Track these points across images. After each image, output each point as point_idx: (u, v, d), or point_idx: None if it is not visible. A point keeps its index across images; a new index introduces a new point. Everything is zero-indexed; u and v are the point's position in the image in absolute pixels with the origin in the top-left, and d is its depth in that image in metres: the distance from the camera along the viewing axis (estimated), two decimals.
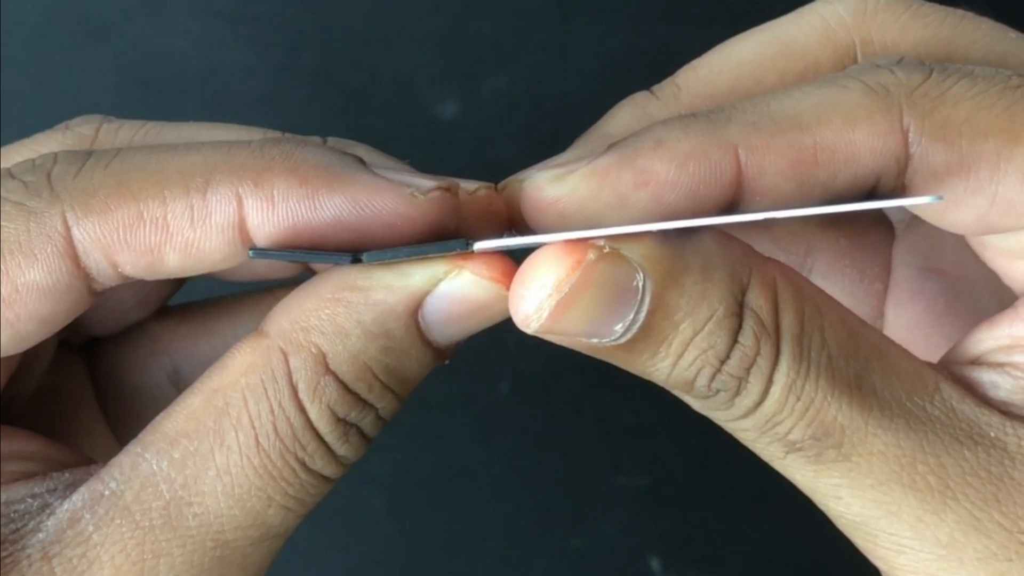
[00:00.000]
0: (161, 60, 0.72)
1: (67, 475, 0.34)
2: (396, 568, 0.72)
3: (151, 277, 0.35)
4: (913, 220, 0.43)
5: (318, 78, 0.73)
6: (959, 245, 0.39)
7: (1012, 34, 0.38)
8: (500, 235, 0.34)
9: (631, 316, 0.32)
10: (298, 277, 0.40)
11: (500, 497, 0.72)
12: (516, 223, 0.35)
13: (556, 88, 0.72)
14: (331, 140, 0.38)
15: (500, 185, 0.36)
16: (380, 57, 0.72)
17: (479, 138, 0.72)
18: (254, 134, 0.38)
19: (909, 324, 0.43)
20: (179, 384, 0.43)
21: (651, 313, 0.32)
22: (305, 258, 0.34)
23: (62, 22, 0.72)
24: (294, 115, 0.73)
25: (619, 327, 0.33)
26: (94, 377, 0.43)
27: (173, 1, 0.73)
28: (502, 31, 0.72)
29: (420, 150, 0.72)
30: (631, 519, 0.72)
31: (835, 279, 0.44)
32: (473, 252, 0.34)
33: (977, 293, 0.42)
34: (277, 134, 0.38)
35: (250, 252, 0.34)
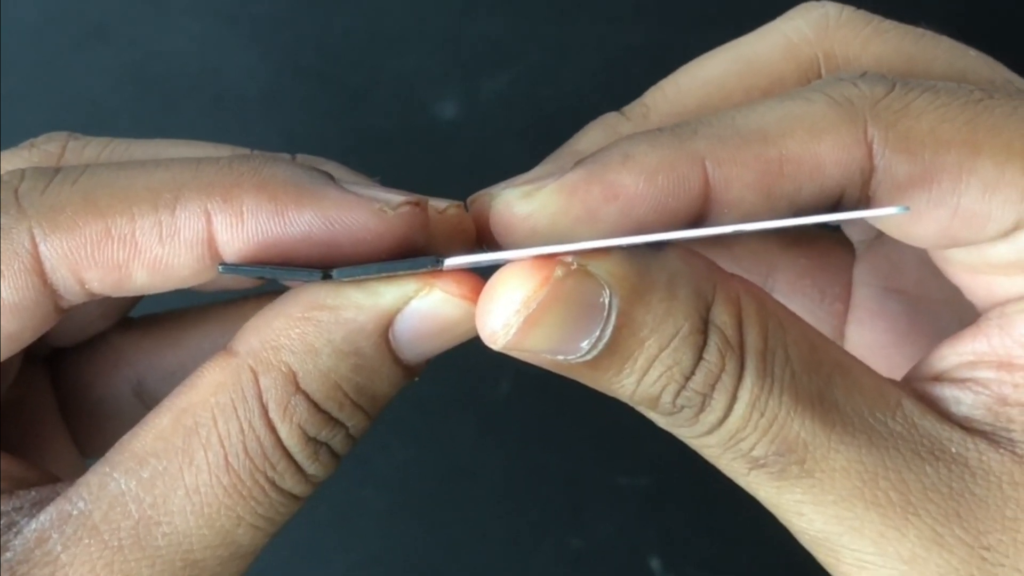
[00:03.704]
0: (161, 60, 0.73)
1: (33, 493, 0.34)
2: (397, 568, 0.73)
3: (118, 294, 0.34)
4: (874, 240, 0.43)
5: (318, 78, 0.73)
6: (920, 264, 0.39)
7: (971, 52, 0.38)
8: (470, 252, 0.34)
9: (597, 333, 0.32)
10: (264, 288, 0.40)
11: (500, 497, 0.72)
12: (485, 240, 0.35)
13: (556, 88, 0.72)
14: (300, 157, 0.38)
15: (468, 200, 0.36)
16: (380, 57, 0.72)
17: (479, 138, 0.72)
18: (222, 151, 0.38)
19: (870, 344, 0.43)
20: (143, 396, 0.42)
21: (617, 330, 0.32)
22: (275, 274, 0.34)
23: (62, 22, 0.72)
24: (294, 115, 0.73)
25: (585, 344, 0.32)
26: (57, 389, 0.43)
27: (173, 1, 0.73)
28: (502, 31, 0.72)
29: (420, 150, 0.72)
30: (631, 519, 0.72)
31: (796, 299, 0.44)
32: (443, 269, 0.34)
33: (938, 313, 0.42)
34: (246, 151, 0.38)
35: (219, 267, 0.34)
